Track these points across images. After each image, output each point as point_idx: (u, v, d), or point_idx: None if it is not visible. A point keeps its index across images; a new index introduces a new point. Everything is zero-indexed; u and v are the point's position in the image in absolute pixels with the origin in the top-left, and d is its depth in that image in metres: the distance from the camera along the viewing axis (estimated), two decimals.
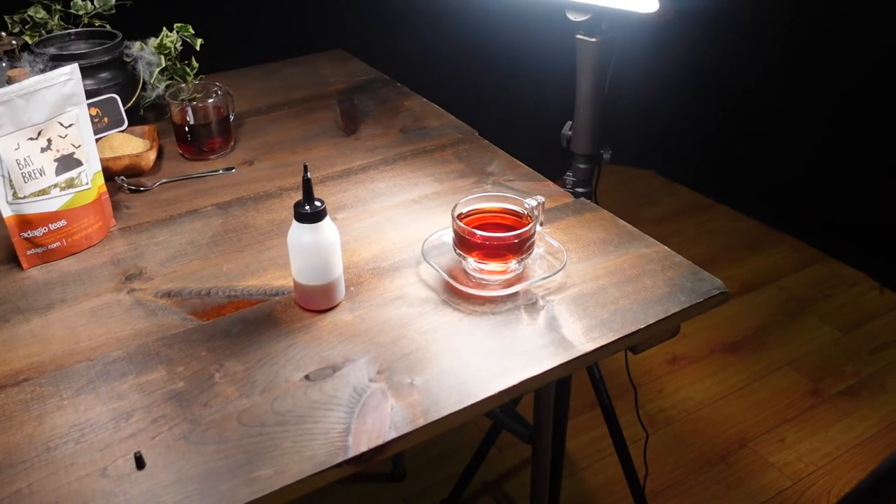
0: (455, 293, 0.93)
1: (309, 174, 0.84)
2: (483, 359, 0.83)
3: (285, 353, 0.84)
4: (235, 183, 1.20)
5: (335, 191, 1.16)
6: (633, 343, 0.89)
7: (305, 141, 1.33)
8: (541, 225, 0.98)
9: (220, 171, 1.23)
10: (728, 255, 2.56)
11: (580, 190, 1.16)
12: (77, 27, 1.34)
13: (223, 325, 0.88)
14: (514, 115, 2.41)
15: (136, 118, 1.32)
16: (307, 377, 0.81)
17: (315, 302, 0.90)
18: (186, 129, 1.24)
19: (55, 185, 0.98)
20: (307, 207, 0.85)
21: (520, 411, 1.37)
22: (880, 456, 1.85)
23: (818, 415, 1.98)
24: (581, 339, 0.86)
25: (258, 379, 0.80)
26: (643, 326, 0.88)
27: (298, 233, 0.86)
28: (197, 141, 1.25)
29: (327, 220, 0.87)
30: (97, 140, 1.12)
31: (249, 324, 0.89)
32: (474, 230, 0.92)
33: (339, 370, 0.82)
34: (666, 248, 1.02)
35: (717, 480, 1.80)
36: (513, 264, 0.94)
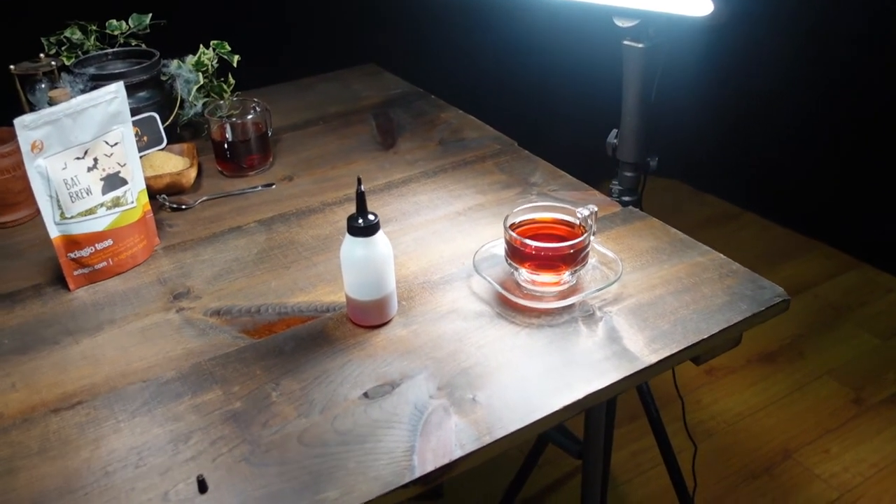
0: (509, 305, 0.91)
1: (363, 186, 0.83)
2: (544, 373, 0.81)
3: (342, 370, 0.82)
4: (276, 199, 1.18)
5: (378, 204, 1.15)
6: (696, 354, 0.86)
7: (344, 155, 1.31)
8: (594, 235, 0.96)
9: (260, 188, 1.22)
10: (761, 264, 2.47)
11: (627, 198, 1.14)
12: (113, 47, 1.34)
13: (276, 343, 0.87)
14: (552, 125, 2.40)
15: (173, 136, 1.31)
16: (366, 395, 0.79)
17: (369, 317, 0.88)
18: (225, 145, 1.23)
19: (101, 205, 0.97)
20: (360, 221, 0.84)
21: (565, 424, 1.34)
22: None
23: (862, 424, 1.94)
24: (644, 350, 0.84)
25: (316, 398, 0.79)
26: (706, 337, 0.86)
27: (352, 247, 0.85)
28: (236, 158, 1.24)
29: (381, 233, 0.85)
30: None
31: (303, 341, 0.87)
32: (527, 241, 0.90)
33: (398, 387, 0.80)
34: (721, 255, 1.00)
35: (763, 493, 1.76)
36: (566, 275, 0.92)
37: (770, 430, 1.92)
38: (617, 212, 1.11)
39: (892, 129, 2.32)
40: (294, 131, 1.41)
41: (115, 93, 0.96)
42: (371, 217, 0.84)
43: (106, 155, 0.96)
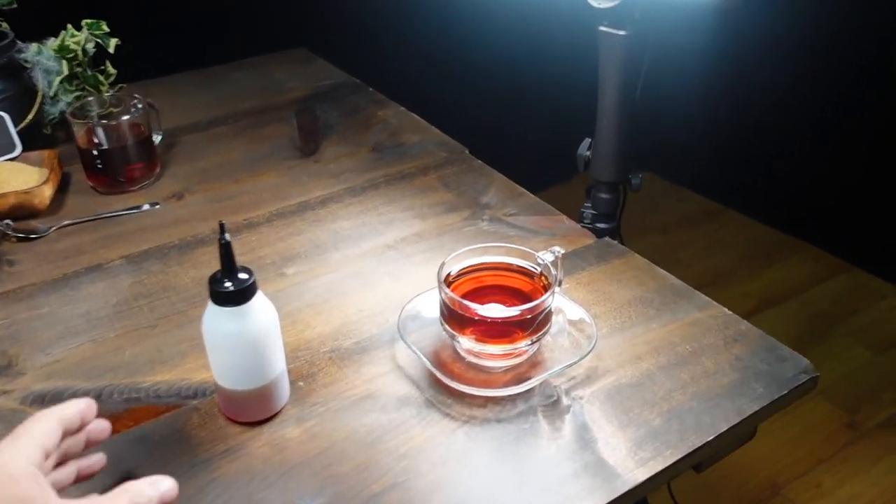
0: (444, 389, 0.67)
1: (227, 235, 0.58)
2: (487, 498, 0.57)
3: (201, 497, 0.58)
4: (158, 224, 0.93)
5: (285, 234, 0.90)
6: (698, 461, 0.63)
7: (252, 165, 1.06)
8: (559, 286, 0.72)
9: (143, 208, 0.96)
10: (744, 267, 2.32)
11: (602, 226, 0.90)
12: None
13: (114, 451, 0.61)
14: (514, 128, 2.11)
15: (37, 141, 1.04)
16: None
17: (246, 412, 0.64)
18: (96, 153, 0.97)
19: None
20: (228, 284, 0.59)
21: None
22: None
23: (857, 452, 1.75)
24: (627, 461, 0.60)
25: None
26: (712, 438, 0.62)
27: (217, 320, 0.60)
28: (110, 169, 0.98)
29: (258, 298, 0.60)
30: None
31: (153, 447, 0.62)
32: (469, 303, 0.66)
33: None
34: (725, 309, 0.77)
35: None
36: (523, 345, 0.68)
37: (758, 461, 1.72)
38: (590, 245, 0.87)
39: (884, 125, 2.13)
40: (194, 133, 1.15)
41: None
42: (243, 276, 0.59)
43: None
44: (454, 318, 0.67)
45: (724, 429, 0.63)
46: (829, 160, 2.30)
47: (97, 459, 0.55)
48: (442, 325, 0.69)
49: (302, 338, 0.73)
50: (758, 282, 2.26)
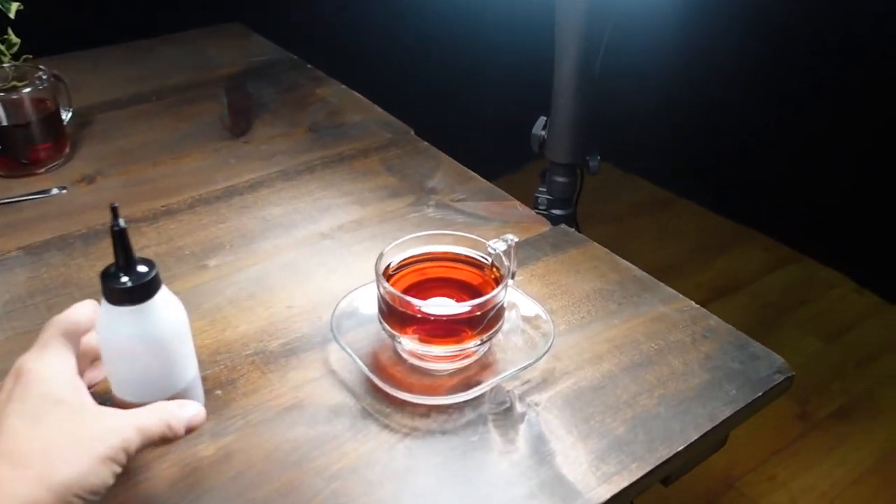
0: (383, 397, 0.59)
1: (122, 221, 0.48)
2: None
3: None
4: (65, 211, 0.83)
5: (209, 222, 0.80)
6: (667, 473, 0.56)
7: (175, 146, 0.96)
8: (512, 278, 0.65)
9: (51, 192, 0.85)
10: (696, 257, 2.30)
11: (558, 212, 0.83)
12: None
13: None
14: (465, 108, 2.02)
15: None
16: None
17: None
18: None
19: None
20: (124, 279, 0.49)
21: None
22: (880, 494, 1.62)
23: (809, 444, 1.73)
24: (588, 477, 0.53)
25: None
26: (682, 448, 0.56)
27: (111, 321, 0.51)
28: (12, 150, 0.88)
29: (162, 294, 0.51)
30: None
31: None
32: (410, 299, 0.58)
33: None
34: (692, 302, 0.70)
35: None
36: (472, 345, 0.60)
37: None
38: (545, 232, 0.80)
39: (836, 116, 2.12)
40: (112, 111, 1.04)
41: None
42: (142, 270, 0.50)
43: None
44: (394, 315, 0.59)
45: (696, 437, 0.56)
46: (780, 151, 2.29)
47: None
48: (381, 323, 0.61)
49: (222, 339, 0.65)
50: (710, 271, 2.24)
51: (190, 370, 0.54)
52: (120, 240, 0.49)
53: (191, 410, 0.50)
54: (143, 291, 0.50)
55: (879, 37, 1.96)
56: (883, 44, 1.95)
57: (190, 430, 0.49)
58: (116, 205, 0.48)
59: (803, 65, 2.14)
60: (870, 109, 2.03)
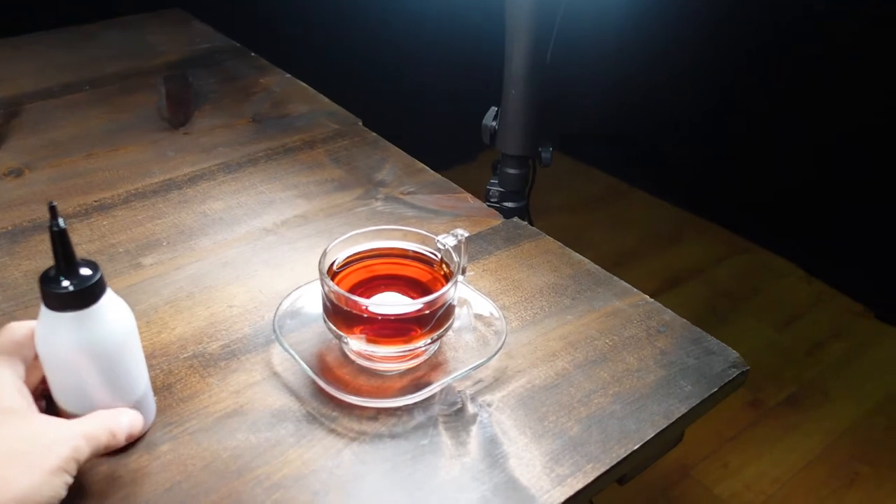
0: (329, 400, 0.56)
1: (62, 221, 0.45)
2: None
3: None
4: None
5: (145, 217, 0.76)
6: (622, 473, 0.55)
7: (110, 138, 0.91)
8: (463, 274, 0.62)
9: None
10: (649, 247, 2.31)
11: (510, 205, 0.81)
12: None
13: None
14: (415, 99, 1.99)
15: None
16: None
17: None
18: None
19: None
20: (65, 283, 0.46)
21: None
22: (829, 480, 1.65)
23: (761, 432, 1.76)
24: (542, 480, 0.51)
25: None
26: (638, 446, 0.54)
27: (53, 329, 0.47)
28: None
29: (108, 298, 0.48)
30: None
31: None
32: (356, 298, 0.55)
33: None
34: (646, 297, 0.69)
35: None
36: (422, 344, 0.58)
37: None
38: (497, 226, 0.78)
39: (785, 102, 2.15)
40: (43, 101, 0.99)
41: None
42: (85, 273, 0.46)
43: None
44: (340, 315, 0.56)
45: (652, 436, 0.55)
46: (730, 140, 2.31)
47: None
48: (326, 323, 0.58)
49: (158, 342, 0.61)
50: (663, 261, 2.25)
51: (141, 382, 0.51)
52: (60, 241, 0.45)
53: (129, 417, 0.49)
54: (86, 296, 0.46)
55: (831, 23, 1.98)
56: (834, 30, 1.97)
57: (129, 439, 0.49)
58: (54, 203, 0.44)
59: (752, 53, 2.16)
60: (819, 98, 2.06)
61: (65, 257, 0.46)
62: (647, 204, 2.50)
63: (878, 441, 1.73)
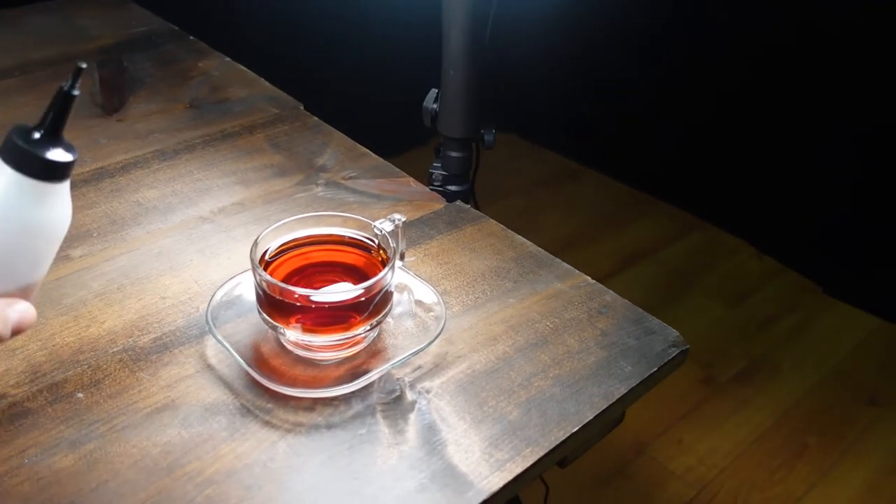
0: (264, 392, 0.55)
1: (77, 90, 0.42)
2: None
3: None
4: None
5: (75, 208, 0.72)
6: (562, 455, 0.55)
7: None
8: (401, 259, 0.61)
9: None
10: (604, 227, 2.32)
11: (454, 188, 0.80)
12: None
13: None
14: (359, 82, 1.95)
15: None
16: None
17: None
18: None
19: None
20: (48, 149, 0.42)
21: None
22: (780, 451, 1.68)
23: (713, 408, 1.78)
24: (481, 466, 0.51)
25: None
26: (577, 429, 0.54)
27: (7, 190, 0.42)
28: None
29: (67, 186, 0.45)
30: None
31: None
32: (290, 287, 0.54)
33: None
34: (588, 278, 0.69)
35: (618, 499, 1.55)
36: (361, 331, 0.57)
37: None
38: (439, 210, 0.77)
39: (735, 82, 2.16)
40: None
41: None
42: (66, 149, 0.43)
43: None
44: (273, 305, 0.55)
45: (591, 417, 0.55)
46: (680, 118, 2.32)
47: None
48: (260, 314, 0.57)
49: (86, 336, 0.59)
50: (618, 241, 2.26)
51: (43, 270, 0.47)
52: (63, 103, 0.41)
53: (20, 308, 0.43)
54: (58, 170, 0.42)
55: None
56: (784, 5, 1.98)
57: (17, 332, 0.43)
58: (84, 65, 0.41)
59: (700, 30, 2.17)
60: (769, 76, 2.08)
61: (55, 121, 0.42)
62: (600, 184, 2.51)
63: (825, 412, 1.77)
